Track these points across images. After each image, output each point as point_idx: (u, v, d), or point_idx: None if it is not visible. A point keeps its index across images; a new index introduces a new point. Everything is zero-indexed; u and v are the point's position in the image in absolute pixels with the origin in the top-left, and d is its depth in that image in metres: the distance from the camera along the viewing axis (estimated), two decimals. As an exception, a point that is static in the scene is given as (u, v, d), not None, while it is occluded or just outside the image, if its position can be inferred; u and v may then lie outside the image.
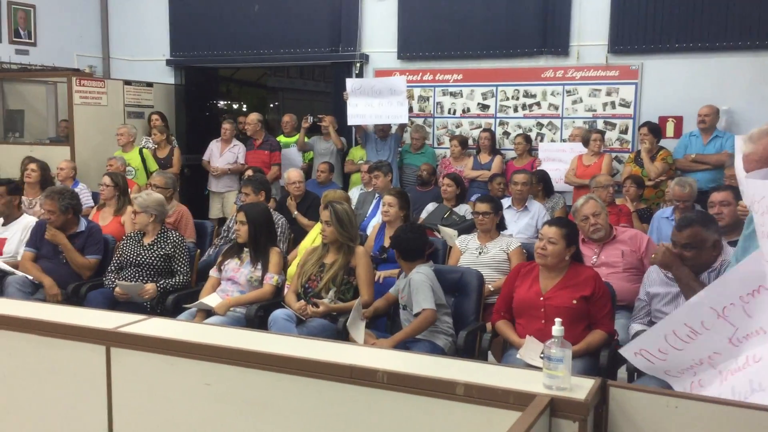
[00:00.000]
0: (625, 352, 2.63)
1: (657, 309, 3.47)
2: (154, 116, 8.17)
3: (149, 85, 8.90)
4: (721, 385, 2.33)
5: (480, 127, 7.83)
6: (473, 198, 6.01)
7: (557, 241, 3.55)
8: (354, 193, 6.83)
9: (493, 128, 7.75)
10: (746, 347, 2.19)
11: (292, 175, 6.29)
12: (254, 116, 7.81)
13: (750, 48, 6.79)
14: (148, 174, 7.22)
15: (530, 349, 3.36)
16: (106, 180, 5.71)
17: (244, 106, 15.31)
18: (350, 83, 7.48)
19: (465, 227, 5.35)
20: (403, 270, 4.01)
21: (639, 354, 2.56)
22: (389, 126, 7.52)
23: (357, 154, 7.82)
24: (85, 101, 8.02)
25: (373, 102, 7.30)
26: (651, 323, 3.47)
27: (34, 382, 2.61)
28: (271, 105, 15.36)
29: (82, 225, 4.98)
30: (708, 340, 2.28)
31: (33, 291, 4.76)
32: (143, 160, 7.50)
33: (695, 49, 6.97)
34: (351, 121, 7.53)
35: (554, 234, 3.56)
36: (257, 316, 4.19)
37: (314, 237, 5.02)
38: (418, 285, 3.78)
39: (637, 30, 7.14)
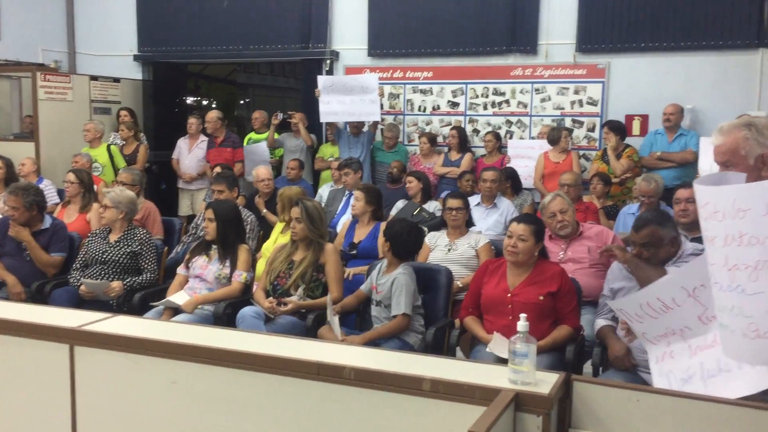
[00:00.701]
0: (613, 304, 2.73)
1: None
2: (123, 112, 8.08)
3: (116, 80, 8.77)
4: (690, 359, 2.43)
5: (450, 124, 7.87)
6: (443, 195, 6.04)
7: (527, 238, 3.59)
8: (324, 190, 6.83)
9: (463, 125, 7.79)
10: (714, 327, 2.25)
11: (261, 172, 6.25)
12: (214, 113, 7.70)
13: (713, 48, 6.91)
14: (116, 171, 7.13)
15: (499, 343, 3.39)
16: (71, 177, 5.62)
17: (214, 102, 15.19)
18: (322, 80, 7.46)
19: (434, 224, 5.37)
20: (387, 263, 4.00)
21: (620, 311, 2.70)
22: (362, 123, 7.51)
23: (327, 151, 7.80)
24: (50, 96, 7.88)
25: (345, 99, 7.28)
26: (615, 318, 3.53)
27: (-5, 381, 2.57)
28: (242, 101, 15.28)
29: (47, 222, 4.90)
30: (679, 314, 2.36)
31: (-4, 289, 4.69)
32: (111, 157, 7.40)
33: (660, 48, 7.08)
34: (323, 118, 7.51)
35: (524, 231, 3.59)
36: (225, 314, 4.16)
37: (276, 237, 5.02)
38: (402, 287, 3.79)
39: (604, 29, 7.23)
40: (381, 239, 4.22)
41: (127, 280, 4.58)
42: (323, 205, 6.21)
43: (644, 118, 7.18)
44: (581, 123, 7.46)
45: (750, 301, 1.85)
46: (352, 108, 7.28)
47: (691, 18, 6.94)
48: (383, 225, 4.93)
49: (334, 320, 3.81)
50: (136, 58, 9.15)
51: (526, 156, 7.01)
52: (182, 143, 7.91)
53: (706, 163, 5.80)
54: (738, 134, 2.23)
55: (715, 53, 6.93)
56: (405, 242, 3.95)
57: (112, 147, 7.51)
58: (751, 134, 2.21)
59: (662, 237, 3.31)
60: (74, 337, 2.44)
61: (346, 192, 6.18)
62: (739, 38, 6.81)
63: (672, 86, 7.00)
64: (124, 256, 4.64)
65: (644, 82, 7.17)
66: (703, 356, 2.39)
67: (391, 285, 3.83)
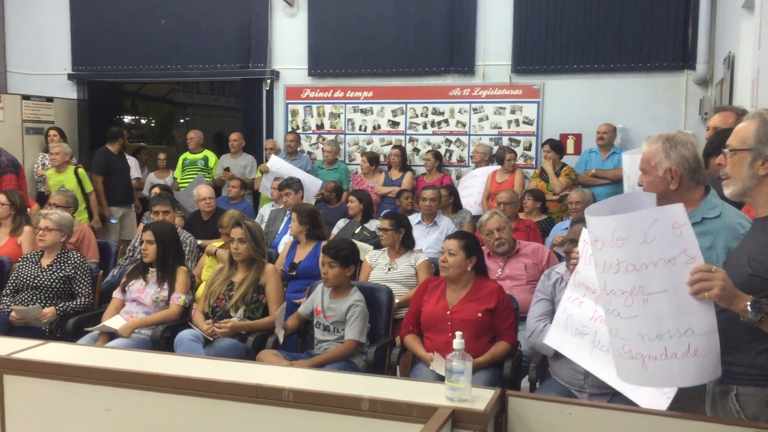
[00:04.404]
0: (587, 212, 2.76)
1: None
2: (52, 132, 7.82)
3: (49, 100, 8.56)
4: (590, 321, 2.62)
5: (390, 143, 7.95)
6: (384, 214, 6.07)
7: (456, 252, 3.67)
8: (265, 210, 6.79)
9: (403, 144, 7.88)
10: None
11: (202, 191, 6.18)
12: None
13: (642, 70, 7.20)
14: (85, 195, 6.91)
15: (440, 361, 3.42)
16: (2, 198, 5.42)
17: (153, 121, 14.96)
18: (272, 161, 7.30)
19: (376, 242, 5.40)
20: (334, 288, 3.97)
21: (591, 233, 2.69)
22: (297, 144, 7.63)
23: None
24: (-21, 116, 7.63)
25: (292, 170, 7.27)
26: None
27: None
28: (181, 120, 15.09)
29: (-25, 247, 4.73)
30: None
31: None
32: (79, 181, 7.08)
33: (592, 70, 7.33)
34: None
35: (453, 246, 3.68)
36: (164, 338, 4.09)
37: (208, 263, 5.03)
38: (358, 316, 3.83)
39: (539, 51, 7.45)
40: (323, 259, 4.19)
41: (60, 305, 4.45)
42: (264, 225, 6.18)
43: (578, 137, 7.41)
44: (518, 142, 7.63)
45: (624, 324, 1.95)
46: (295, 173, 7.22)
47: (620, 41, 7.22)
48: (324, 244, 4.94)
49: (280, 332, 3.84)
50: (70, 77, 8.96)
51: (470, 185, 7.08)
52: None
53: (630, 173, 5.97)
54: (655, 145, 2.36)
55: (644, 75, 7.22)
56: (345, 254, 3.97)
57: (79, 171, 7.15)
58: (663, 147, 2.34)
59: None
60: (3, 366, 2.37)
61: (287, 212, 6.16)
62: (666, 60, 7.13)
63: (604, 106, 7.25)
64: (56, 281, 4.51)
65: (577, 103, 7.40)
66: (600, 326, 2.52)
67: (346, 311, 3.84)
